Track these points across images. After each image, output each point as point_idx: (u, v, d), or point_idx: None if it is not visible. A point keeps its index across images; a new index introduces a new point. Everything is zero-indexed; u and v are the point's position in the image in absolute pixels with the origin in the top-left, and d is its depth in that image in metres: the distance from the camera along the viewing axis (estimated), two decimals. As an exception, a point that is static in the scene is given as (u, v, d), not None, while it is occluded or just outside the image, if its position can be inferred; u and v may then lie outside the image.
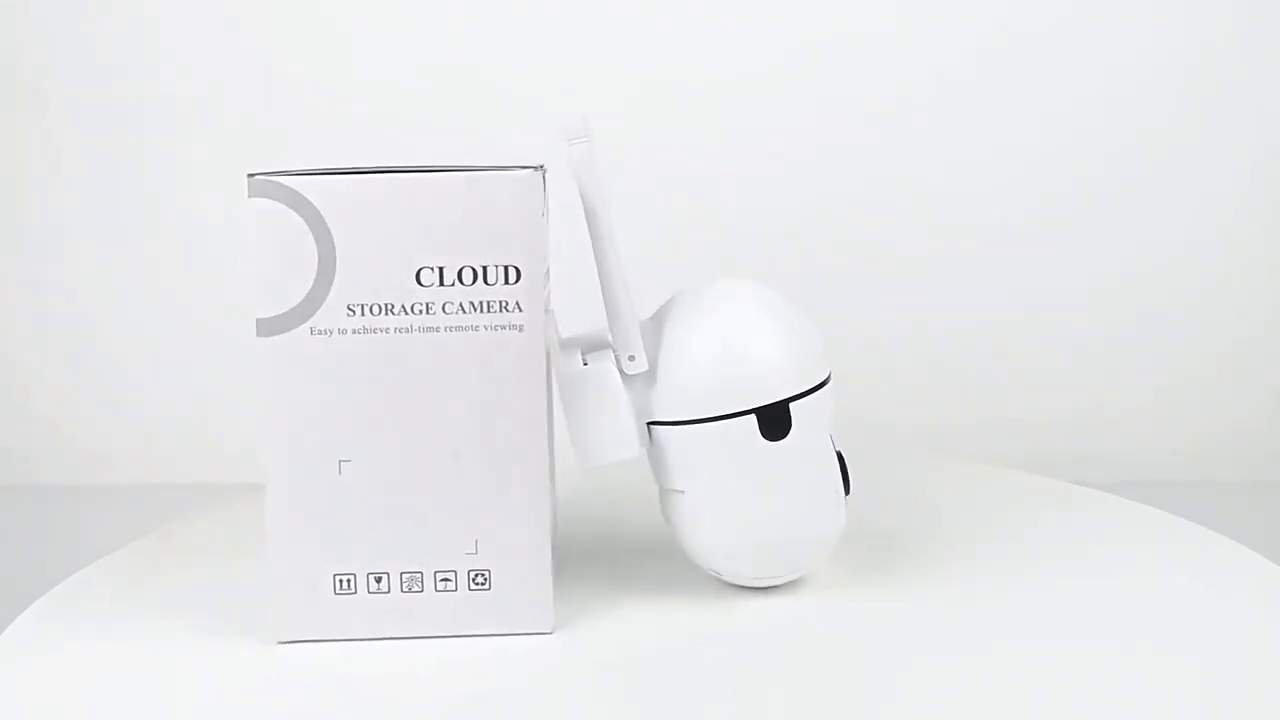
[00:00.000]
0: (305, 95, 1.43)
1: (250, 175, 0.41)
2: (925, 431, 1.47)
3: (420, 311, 0.42)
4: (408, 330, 0.42)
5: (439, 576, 0.43)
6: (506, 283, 0.42)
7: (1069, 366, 1.25)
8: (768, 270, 0.50)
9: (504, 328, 0.42)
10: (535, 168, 0.42)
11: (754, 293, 0.46)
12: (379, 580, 0.43)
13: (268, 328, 0.42)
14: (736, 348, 0.45)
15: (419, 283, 0.42)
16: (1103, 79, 1.13)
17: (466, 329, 0.42)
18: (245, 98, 1.32)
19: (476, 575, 0.43)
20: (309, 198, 0.41)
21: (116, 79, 1.31)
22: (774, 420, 0.44)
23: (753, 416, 0.44)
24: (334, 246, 0.42)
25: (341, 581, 0.43)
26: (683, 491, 0.45)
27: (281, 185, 0.41)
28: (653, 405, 0.45)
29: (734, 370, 0.45)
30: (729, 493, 0.45)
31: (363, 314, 0.42)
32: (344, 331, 0.42)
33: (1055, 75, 1.13)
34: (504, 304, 0.42)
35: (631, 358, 0.45)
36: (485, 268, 0.42)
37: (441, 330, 0.42)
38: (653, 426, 0.46)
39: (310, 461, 0.42)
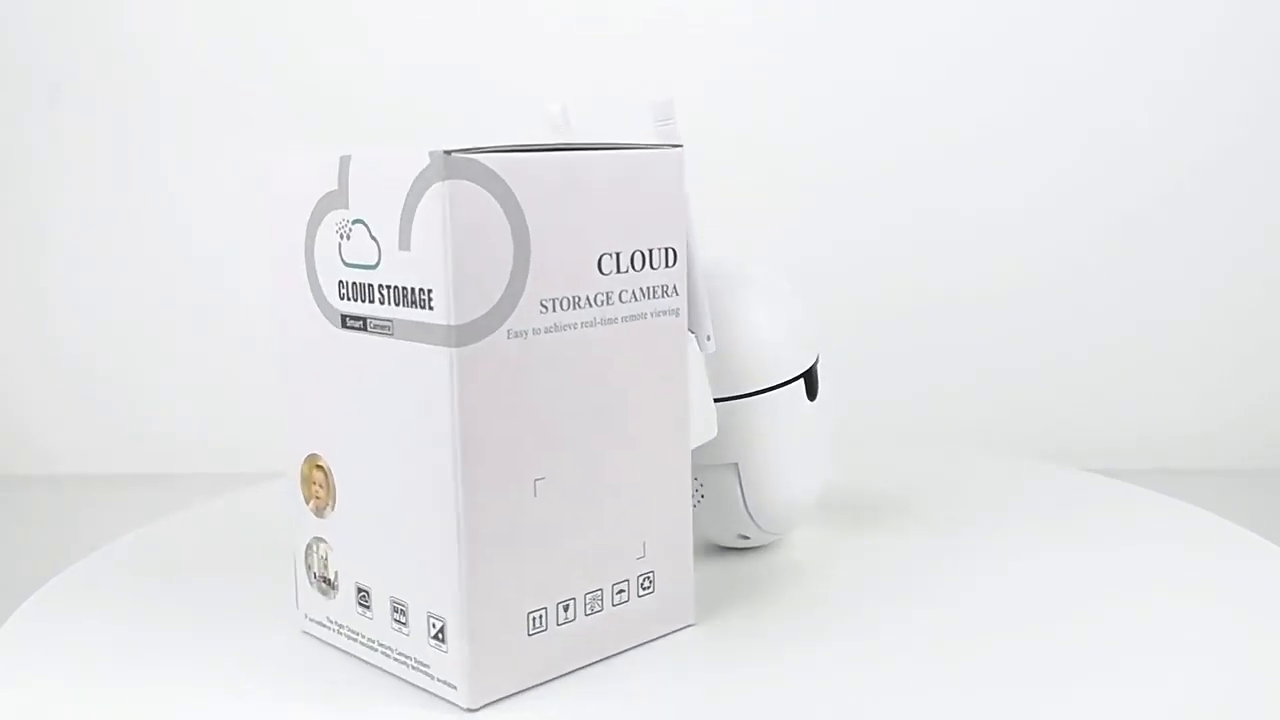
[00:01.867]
0: (298, 94, 1.53)
1: (447, 153, 0.33)
2: (922, 424, 1.48)
3: (601, 303, 0.38)
4: (591, 324, 0.38)
5: (615, 589, 0.40)
6: (667, 266, 0.40)
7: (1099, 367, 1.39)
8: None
9: (665, 313, 0.40)
10: (677, 146, 0.40)
11: (767, 269, 0.49)
12: (566, 609, 0.38)
13: (464, 335, 0.34)
14: (782, 319, 0.48)
15: (600, 271, 0.38)
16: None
17: (637, 318, 0.39)
18: (242, 98, 1.47)
19: (644, 579, 0.41)
20: (504, 178, 0.35)
21: (116, 76, 1.46)
22: (812, 381, 0.48)
23: (801, 381, 0.48)
24: (528, 235, 0.36)
25: (535, 619, 0.37)
26: (735, 464, 0.47)
27: (479, 164, 0.34)
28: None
29: (784, 340, 0.47)
30: (785, 454, 0.47)
31: (554, 310, 0.37)
32: (537, 332, 0.36)
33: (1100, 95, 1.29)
34: (664, 289, 0.40)
35: (708, 338, 0.45)
36: (651, 251, 0.39)
37: (618, 321, 0.39)
38: None
39: (506, 485, 0.36)
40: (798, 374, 0.47)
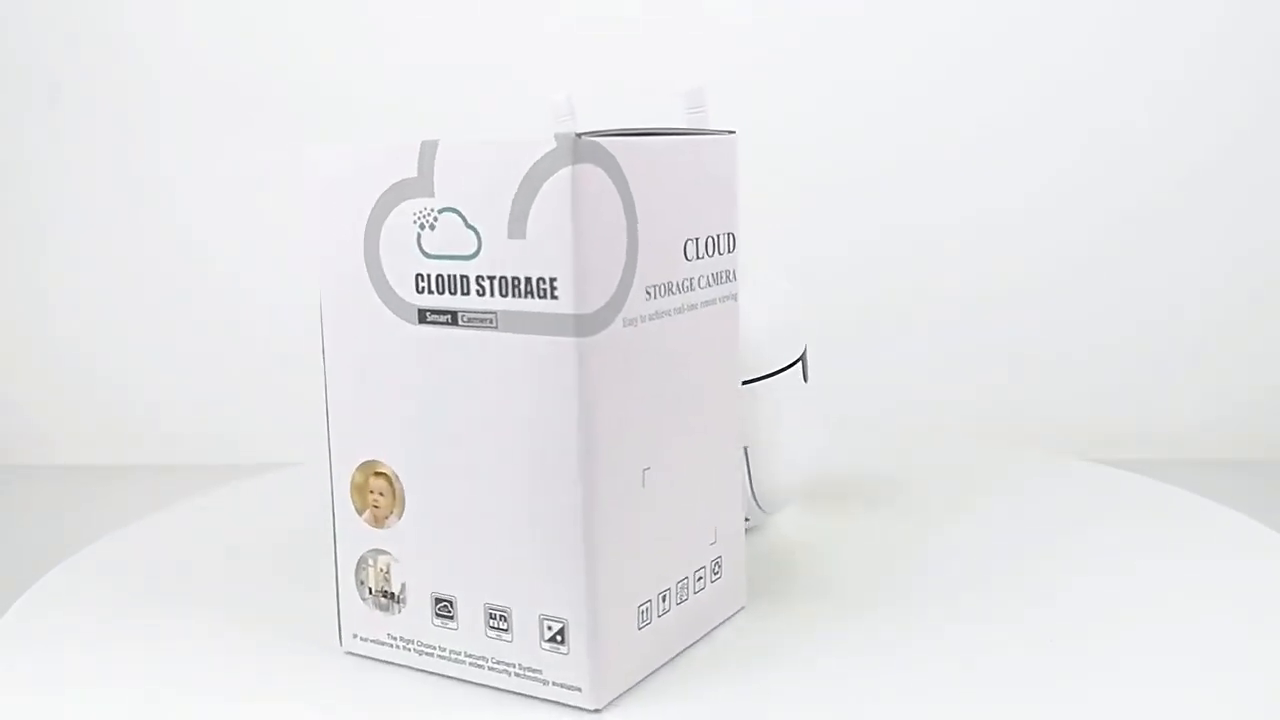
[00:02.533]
0: (298, 94, 1.54)
1: (579, 135, 0.33)
2: (921, 423, 1.48)
3: (687, 288, 0.38)
4: (680, 310, 0.38)
5: (696, 576, 0.40)
6: (730, 250, 0.40)
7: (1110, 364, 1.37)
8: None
9: (728, 299, 0.40)
10: (731, 132, 0.40)
11: (761, 263, 0.50)
12: (664, 599, 0.38)
13: (588, 324, 0.34)
14: (780, 307, 0.48)
15: (685, 256, 0.38)
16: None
17: (710, 303, 0.39)
18: (242, 98, 1.50)
19: (715, 564, 0.41)
20: (620, 162, 0.35)
21: (116, 76, 1.48)
22: (804, 364, 0.49)
23: (799, 364, 0.49)
24: (637, 221, 0.36)
25: (643, 612, 0.37)
26: (743, 448, 0.47)
27: (602, 148, 0.34)
28: None
29: (783, 327, 0.48)
30: (788, 436, 0.48)
31: (656, 297, 0.37)
32: (645, 319, 0.36)
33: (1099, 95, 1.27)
34: (727, 274, 0.40)
35: None
36: (719, 236, 0.39)
37: (698, 307, 0.39)
38: None
39: (618, 476, 0.36)
40: (796, 358, 0.48)
